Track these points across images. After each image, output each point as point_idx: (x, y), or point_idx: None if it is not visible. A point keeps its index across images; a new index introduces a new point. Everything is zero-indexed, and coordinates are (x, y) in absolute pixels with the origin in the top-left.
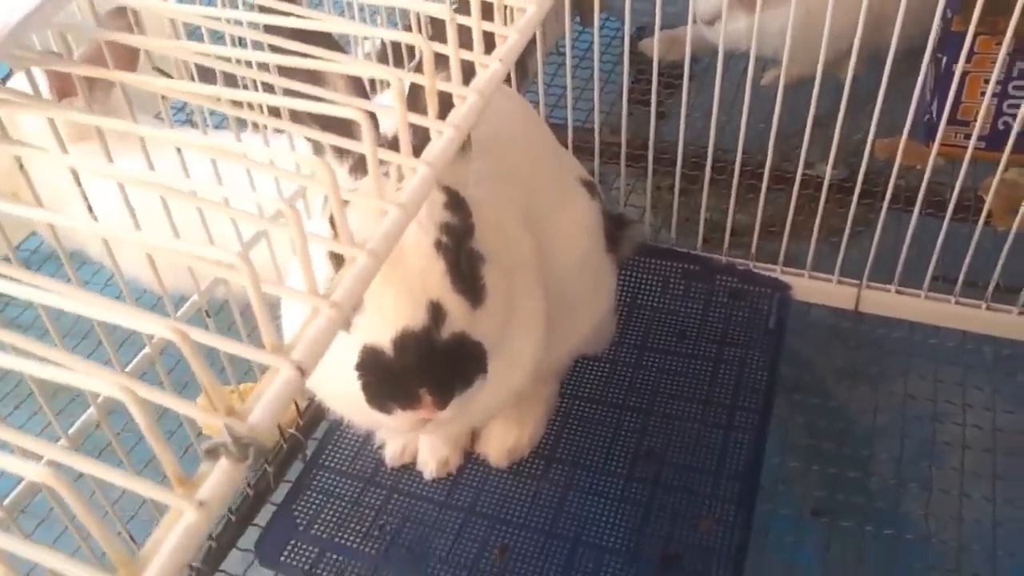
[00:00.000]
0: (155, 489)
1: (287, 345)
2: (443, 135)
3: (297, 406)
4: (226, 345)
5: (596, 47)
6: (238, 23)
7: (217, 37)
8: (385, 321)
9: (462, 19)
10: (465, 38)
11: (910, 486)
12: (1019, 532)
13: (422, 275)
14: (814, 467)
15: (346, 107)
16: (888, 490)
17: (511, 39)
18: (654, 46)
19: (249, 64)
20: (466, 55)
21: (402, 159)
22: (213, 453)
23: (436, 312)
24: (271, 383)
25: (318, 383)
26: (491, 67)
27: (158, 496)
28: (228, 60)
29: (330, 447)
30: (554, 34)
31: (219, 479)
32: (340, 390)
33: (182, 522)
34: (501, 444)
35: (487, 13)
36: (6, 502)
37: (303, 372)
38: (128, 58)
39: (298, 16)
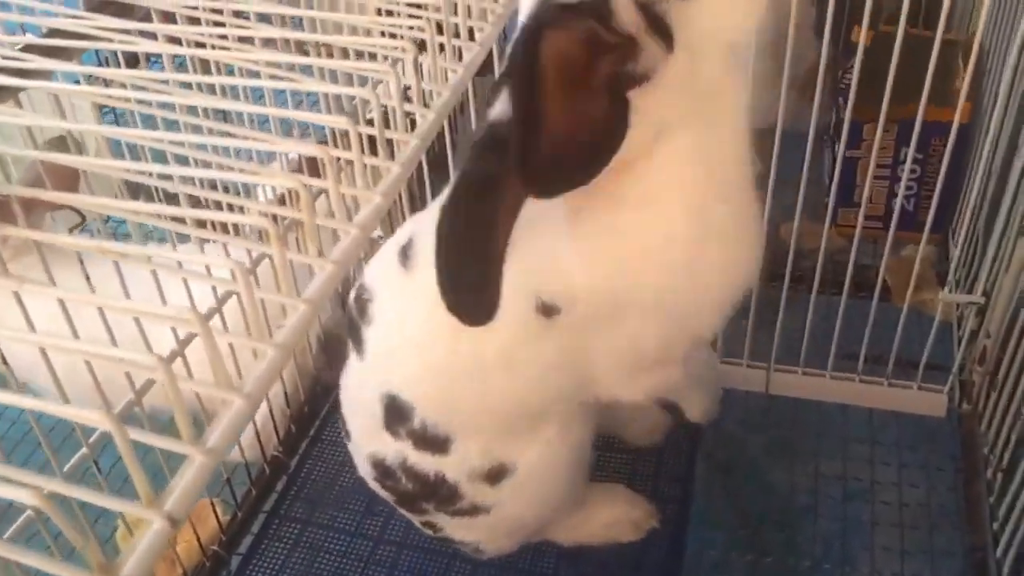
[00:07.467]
0: None
1: (160, 496)
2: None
3: (219, 521)
4: (101, 500)
5: None
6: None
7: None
8: None
9: (342, 153)
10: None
11: (824, 567)
12: None
13: None
14: (733, 553)
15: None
16: (802, 572)
17: (393, 172)
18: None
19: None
20: (347, 190)
21: (284, 299)
22: None
23: None
24: (144, 535)
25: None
26: (373, 202)
27: None
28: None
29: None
30: None
31: None
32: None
33: None
34: None
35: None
36: None
37: (174, 522)
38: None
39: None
